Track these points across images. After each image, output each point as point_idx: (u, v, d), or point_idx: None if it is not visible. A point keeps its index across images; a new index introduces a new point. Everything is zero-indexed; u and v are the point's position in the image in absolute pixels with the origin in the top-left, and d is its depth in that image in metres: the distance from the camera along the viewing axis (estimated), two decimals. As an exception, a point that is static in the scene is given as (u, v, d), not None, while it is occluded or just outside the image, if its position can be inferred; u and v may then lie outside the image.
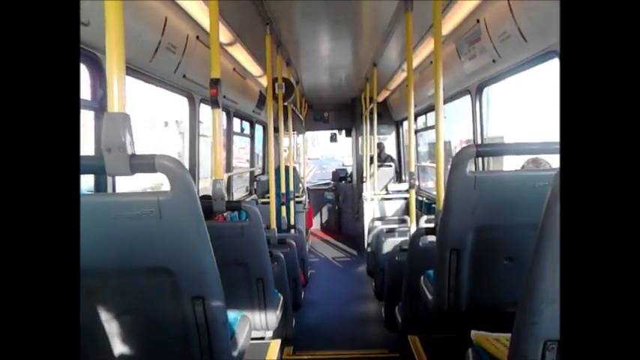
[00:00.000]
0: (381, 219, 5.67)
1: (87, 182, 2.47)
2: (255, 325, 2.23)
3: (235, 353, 1.57)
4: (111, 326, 1.39)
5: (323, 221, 9.32)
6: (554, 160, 2.19)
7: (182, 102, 3.74)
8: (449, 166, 1.73)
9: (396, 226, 4.88)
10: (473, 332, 1.42)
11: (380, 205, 6.26)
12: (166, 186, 1.20)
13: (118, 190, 2.50)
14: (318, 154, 25.16)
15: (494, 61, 2.97)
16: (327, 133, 9.30)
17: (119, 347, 1.42)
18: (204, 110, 3.87)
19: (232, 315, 1.75)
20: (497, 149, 1.90)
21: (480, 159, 3.66)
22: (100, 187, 2.40)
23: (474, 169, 3.47)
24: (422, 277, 2.29)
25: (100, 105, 2.30)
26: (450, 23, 3.21)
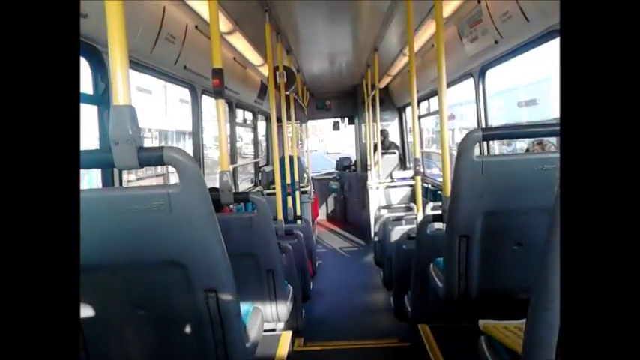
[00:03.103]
0: (387, 207, 5.65)
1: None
2: (267, 316, 2.23)
3: (248, 345, 1.57)
4: (125, 320, 1.39)
5: (329, 211, 9.31)
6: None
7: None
8: (454, 152, 1.71)
9: (402, 214, 4.86)
10: (481, 321, 1.41)
11: (385, 193, 6.23)
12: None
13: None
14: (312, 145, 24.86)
15: (496, 42, 2.93)
16: (329, 122, 9.27)
17: (133, 341, 1.43)
18: (207, 102, 3.85)
19: (244, 307, 1.75)
20: (503, 132, 1.88)
21: (485, 144, 3.63)
22: (106, 181, 2.40)
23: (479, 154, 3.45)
24: (431, 265, 2.28)
25: (102, 99, 2.28)
26: (450, 5, 3.16)
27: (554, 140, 2.32)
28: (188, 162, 1.17)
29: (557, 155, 1.23)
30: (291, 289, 2.48)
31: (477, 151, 1.67)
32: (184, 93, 3.77)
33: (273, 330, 2.73)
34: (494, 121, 9.82)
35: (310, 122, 9.62)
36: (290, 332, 2.74)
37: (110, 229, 1.20)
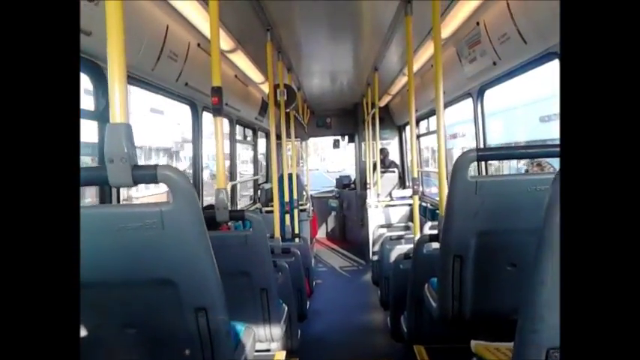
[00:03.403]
0: (386, 226, 5.64)
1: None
2: (260, 336, 2.21)
3: None
4: (115, 339, 1.38)
5: (328, 229, 9.28)
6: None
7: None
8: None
9: (400, 233, 4.84)
10: (473, 342, 1.40)
11: (384, 211, 6.22)
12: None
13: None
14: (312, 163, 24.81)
15: (494, 63, 2.95)
16: (330, 140, 9.29)
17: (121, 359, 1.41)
18: (208, 118, 3.87)
19: (236, 326, 1.73)
20: (498, 153, 1.88)
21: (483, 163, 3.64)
22: (104, 198, 2.40)
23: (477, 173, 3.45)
24: (426, 285, 2.26)
25: (102, 115, 2.30)
26: (449, 26, 3.20)
27: (554, 162, 2.32)
28: (181, 180, 1.17)
29: (551, 176, 1.23)
30: (286, 309, 2.45)
31: (473, 171, 1.67)
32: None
33: (267, 350, 2.70)
34: (511, 137, 9.67)
35: (312, 140, 9.66)
36: (284, 352, 2.70)
37: (102, 246, 1.20)
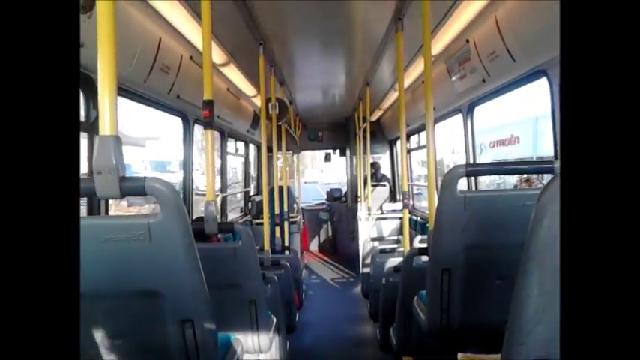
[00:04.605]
0: (377, 239, 5.65)
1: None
2: (248, 347, 2.20)
3: None
4: (101, 350, 1.36)
5: (318, 241, 9.27)
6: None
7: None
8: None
9: (391, 246, 4.86)
10: (460, 355, 1.41)
11: (375, 225, 6.24)
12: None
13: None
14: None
15: (484, 80, 3.00)
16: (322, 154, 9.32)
17: None
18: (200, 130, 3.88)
19: (224, 337, 1.72)
20: (486, 169, 1.91)
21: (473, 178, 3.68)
22: (91, 211, 2.39)
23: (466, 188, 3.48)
24: (415, 298, 2.27)
25: (91, 127, 2.30)
26: (440, 43, 3.25)
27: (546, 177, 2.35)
28: (169, 193, 1.17)
29: (537, 192, 1.25)
30: (275, 320, 2.45)
31: (462, 186, 1.69)
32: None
33: None
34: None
35: (309, 153, 9.69)
36: None
37: (90, 257, 1.19)
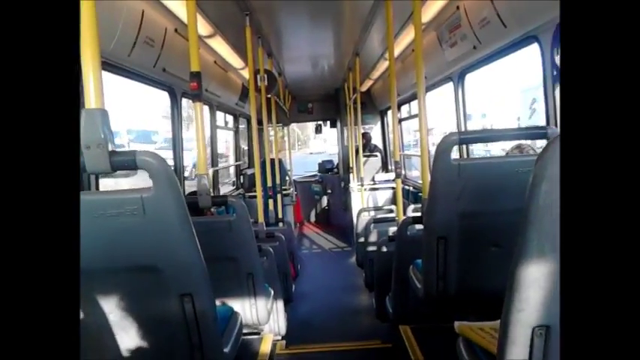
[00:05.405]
0: (369, 209, 5.68)
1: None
2: (247, 320, 2.23)
3: (227, 349, 1.57)
4: (100, 326, 1.37)
5: (311, 213, 9.31)
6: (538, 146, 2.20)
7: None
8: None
9: (384, 215, 4.89)
10: (457, 323, 1.43)
11: (368, 195, 6.26)
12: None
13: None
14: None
15: (474, 47, 2.97)
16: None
17: (109, 347, 1.41)
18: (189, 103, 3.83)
19: (223, 311, 1.74)
20: (479, 136, 1.91)
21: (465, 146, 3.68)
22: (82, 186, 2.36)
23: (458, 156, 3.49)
24: (411, 267, 2.30)
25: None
26: (430, 10, 3.20)
27: (539, 143, 2.36)
28: (161, 166, 1.17)
29: (532, 158, 1.25)
30: (272, 292, 2.47)
31: (455, 154, 1.69)
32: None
33: (254, 334, 2.71)
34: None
35: (312, 124, 9.61)
36: (271, 335, 2.73)
37: (84, 234, 1.19)
